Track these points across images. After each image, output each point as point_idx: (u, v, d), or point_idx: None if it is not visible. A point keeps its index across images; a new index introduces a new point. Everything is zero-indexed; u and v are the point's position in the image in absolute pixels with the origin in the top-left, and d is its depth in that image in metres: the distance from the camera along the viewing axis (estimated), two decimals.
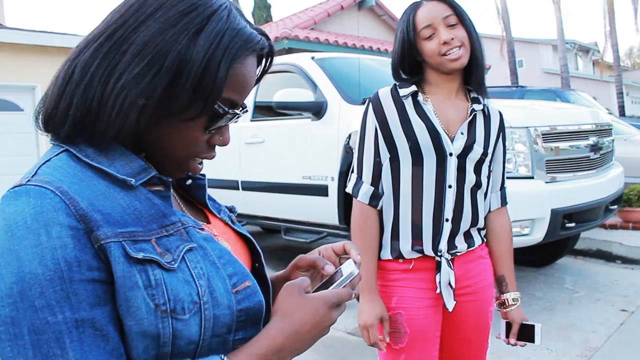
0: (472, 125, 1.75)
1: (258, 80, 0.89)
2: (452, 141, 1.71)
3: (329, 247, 1.01)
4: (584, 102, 10.05)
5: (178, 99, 0.76)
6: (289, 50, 11.24)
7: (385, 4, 16.25)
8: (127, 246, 0.71)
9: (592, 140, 4.31)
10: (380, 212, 1.78)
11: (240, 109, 0.84)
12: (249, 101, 5.29)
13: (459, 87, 1.78)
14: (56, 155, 0.77)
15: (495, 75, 18.28)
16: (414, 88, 1.75)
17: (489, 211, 1.86)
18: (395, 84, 1.80)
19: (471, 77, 1.76)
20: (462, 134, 1.72)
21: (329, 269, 0.94)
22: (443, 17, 1.69)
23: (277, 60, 5.95)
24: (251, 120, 5.30)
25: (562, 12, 18.20)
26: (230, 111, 0.82)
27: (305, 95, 4.51)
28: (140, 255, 0.71)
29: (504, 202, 1.88)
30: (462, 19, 1.70)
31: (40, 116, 0.80)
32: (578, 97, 10.33)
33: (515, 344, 1.84)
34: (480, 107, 1.77)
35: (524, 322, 1.83)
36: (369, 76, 4.79)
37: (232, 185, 5.41)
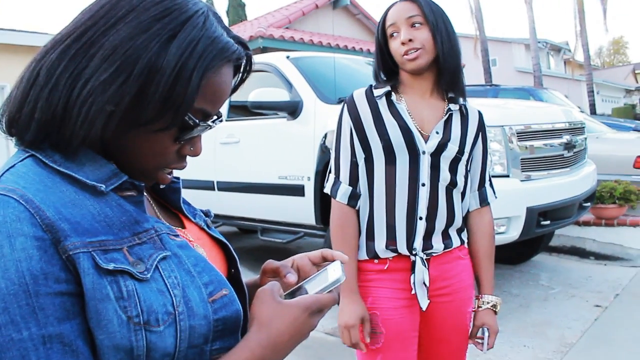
0: (447, 124, 1.75)
1: (234, 89, 0.86)
2: (426, 140, 1.71)
3: (304, 255, 0.98)
4: (556, 100, 10.18)
5: (147, 108, 0.73)
6: (264, 50, 11.18)
7: (360, 3, 16.29)
8: (97, 256, 0.68)
9: (565, 138, 4.37)
10: (358, 213, 1.77)
11: (215, 118, 0.81)
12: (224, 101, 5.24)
13: (432, 87, 1.77)
14: (21, 160, 0.73)
15: (469, 74, 18.39)
16: (387, 88, 1.76)
17: (468, 211, 1.85)
18: (371, 85, 1.80)
19: (442, 77, 1.75)
20: (437, 133, 1.73)
21: (291, 278, 0.91)
22: (407, 17, 1.69)
23: (253, 59, 5.91)
24: (226, 120, 5.25)
25: (534, 11, 18.44)
26: (202, 123, 0.79)
27: (280, 95, 4.48)
28: (110, 266, 0.68)
29: (483, 202, 1.86)
30: (428, 19, 1.69)
31: (4, 119, 0.76)
32: (551, 96, 10.46)
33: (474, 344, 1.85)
34: (457, 106, 1.77)
35: (483, 328, 1.81)
36: (345, 75, 4.79)
37: (207, 185, 5.35)
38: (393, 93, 1.76)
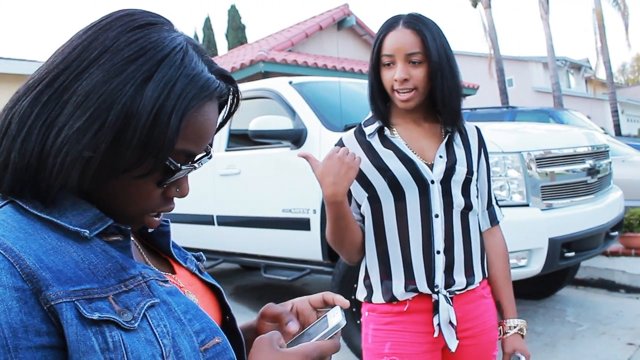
0: (450, 146, 1.77)
1: (221, 125, 0.87)
2: (431, 168, 1.72)
3: (305, 299, 0.99)
4: (578, 122, 10.18)
5: (125, 155, 0.73)
6: (265, 74, 11.29)
7: (367, 23, 16.46)
8: (81, 306, 0.68)
9: (588, 163, 4.35)
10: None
11: (201, 156, 0.82)
12: (223, 130, 5.27)
13: (426, 113, 1.79)
14: None
15: (484, 95, 18.53)
16: (378, 124, 1.77)
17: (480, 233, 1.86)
18: (360, 124, 1.83)
19: (442, 115, 1.76)
20: (440, 157, 1.74)
21: (292, 326, 0.92)
22: (406, 54, 1.68)
23: (253, 85, 5.92)
24: (226, 150, 5.28)
25: (552, 28, 18.59)
26: (184, 167, 0.79)
27: (283, 123, 4.50)
28: (95, 316, 0.68)
29: (493, 221, 1.88)
30: (430, 57, 1.67)
31: None
32: (572, 117, 10.47)
33: None
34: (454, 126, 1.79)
35: (515, 354, 1.79)
36: (351, 100, 4.81)
37: (206, 220, 5.35)
38: (385, 128, 1.77)
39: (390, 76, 1.70)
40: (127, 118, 0.72)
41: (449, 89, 1.70)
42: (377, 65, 1.75)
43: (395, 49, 1.69)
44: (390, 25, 1.73)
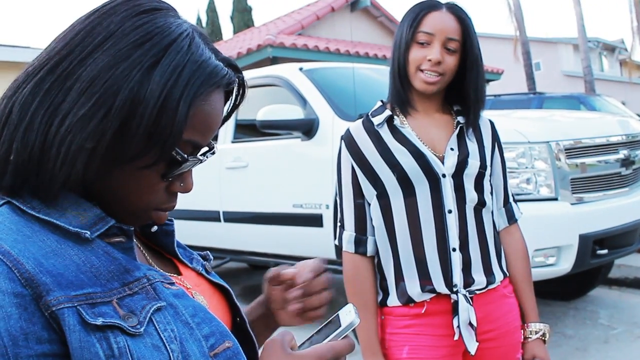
0: (461, 138, 1.78)
1: (227, 117, 0.89)
2: (442, 161, 1.73)
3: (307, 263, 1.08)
4: (611, 108, 10.12)
5: (131, 144, 0.74)
6: (274, 60, 11.29)
7: (382, 3, 16.39)
8: (84, 311, 0.69)
9: (622, 153, 4.32)
10: (374, 259, 1.80)
11: (207, 150, 0.83)
12: (230, 120, 5.28)
13: (439, 105, 1.82)
14: None
15: (510, 80, 18.41)
16: (387, 113, 1.78)
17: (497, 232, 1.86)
18: (367, 114, 1.84)
19: (466, 108, 1.80)
20: (452, 149, 1.75)
21: (289, 271, 1.04)
22: (447, 37, 1.71)
23: (261, 72, 5.90)
24: (232, 142, 5.29)
25: (583, 6, 18.41)
26: (191, 158, 0.81)
27: (293, 112, 4.51)
28: (99, 321, 0.69)
29: (511, 219, 1.88)
30: (465, 48, 1.73)
31: None
32: (605, 103, 10.40)
33: None
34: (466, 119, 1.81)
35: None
36: (366, 87, 4.80)
37: (212, 216, 5.38)
38: (395, 117, 1.78)
39: (421, 55, 1.71)
40: (134, 104, 0.73)
41: (480, 85, 1.76)
42: (409, 42, 1.75)
43: (437, 29, 1.71)
44: (432, 5, 1.75)
